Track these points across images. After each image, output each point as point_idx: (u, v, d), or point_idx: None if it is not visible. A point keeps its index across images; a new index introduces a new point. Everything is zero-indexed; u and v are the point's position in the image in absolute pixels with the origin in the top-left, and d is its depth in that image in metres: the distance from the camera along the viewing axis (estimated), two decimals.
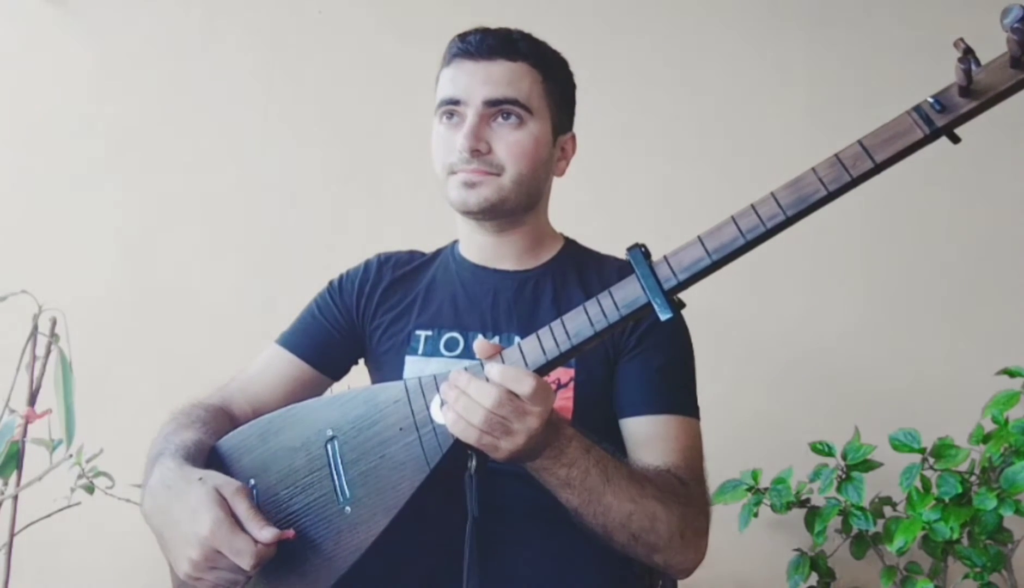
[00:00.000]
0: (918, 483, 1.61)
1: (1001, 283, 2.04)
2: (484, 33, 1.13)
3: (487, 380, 0.87)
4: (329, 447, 0.96)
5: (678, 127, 2.16)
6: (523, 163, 1.12)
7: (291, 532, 0.89)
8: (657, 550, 0.98)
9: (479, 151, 1.10)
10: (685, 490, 1.02)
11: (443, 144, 1.14)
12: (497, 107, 1.10)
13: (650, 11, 2.19)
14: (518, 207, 1.15)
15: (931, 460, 1.63)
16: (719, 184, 2.09)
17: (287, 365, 1.22)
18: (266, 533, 0.86)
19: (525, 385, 0.86)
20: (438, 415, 0.91)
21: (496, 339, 1.13)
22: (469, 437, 0.87)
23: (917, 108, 0.80)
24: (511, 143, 1.11)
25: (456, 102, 1.12)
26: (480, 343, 0.92)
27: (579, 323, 0.89)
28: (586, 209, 1.96)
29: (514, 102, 1.10)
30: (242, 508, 0.88)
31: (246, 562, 0.84)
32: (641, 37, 2.19)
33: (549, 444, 0.90)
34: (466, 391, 0.87)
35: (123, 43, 2.23)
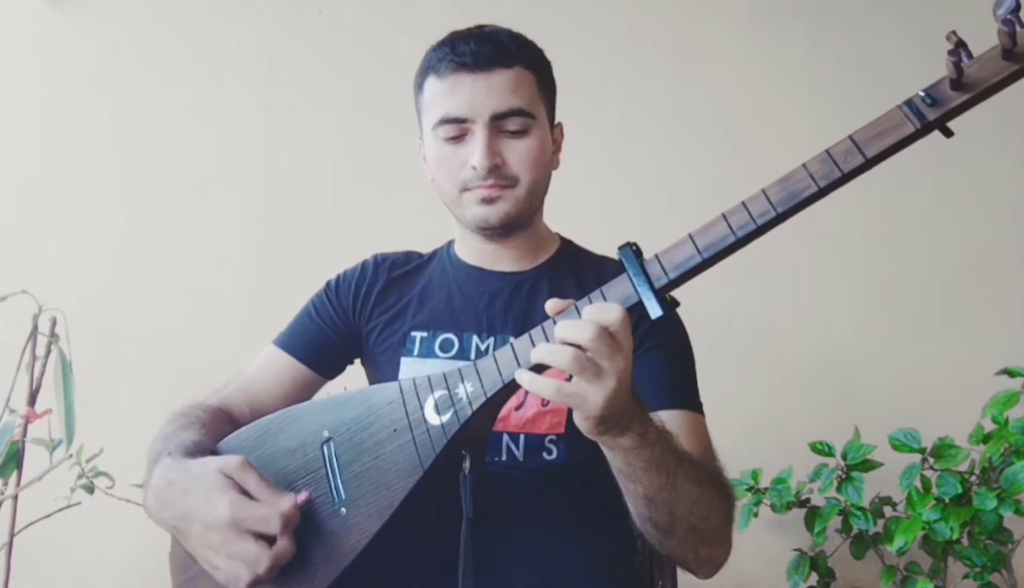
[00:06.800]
0: (918, 483, 1.61)
1: (1001, 283, 2.03)
2: (476, 41, 1.09)
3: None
4: (325, 449, 0.96)
5: (678, 124, 2.15)
6: (535, 171, 1.11)
7: (304, 494, 0.90)
8: (707, 541, 0.95)
9: (496, 166, 1.09)
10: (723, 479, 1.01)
11: (448, 162, 1.11)
12: (504, 119, 1.09)
13: (651, 7, 2.19)
14: (530, 213, 1.15)
15: (931, 460, 1.63)
16: (720, 182, 2.09)
17: (284, 366, 1.22)
18: (284, 501, 0.88)
19: (612, 312, 0.80)
20: (432, 416, 0.91)
21: (491, 341, 1.13)
22: (548, 391, 0.80)
23: (908, 102, 0.78)
24: (522, 153, 1.10)
25: (462, 120, 1.09)
26: (552, 303, 0.88)
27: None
28: (585, 209, 1.95)
29: (520, 112, 1.09)
30: (252, 481, 0.89)
31: (274, 526, 0.86)
32: (642, 34, 2.18)
33: (636, 416, 0.84)
34: (558, 335, 0.80)
35: (123, 43, 2.23)
